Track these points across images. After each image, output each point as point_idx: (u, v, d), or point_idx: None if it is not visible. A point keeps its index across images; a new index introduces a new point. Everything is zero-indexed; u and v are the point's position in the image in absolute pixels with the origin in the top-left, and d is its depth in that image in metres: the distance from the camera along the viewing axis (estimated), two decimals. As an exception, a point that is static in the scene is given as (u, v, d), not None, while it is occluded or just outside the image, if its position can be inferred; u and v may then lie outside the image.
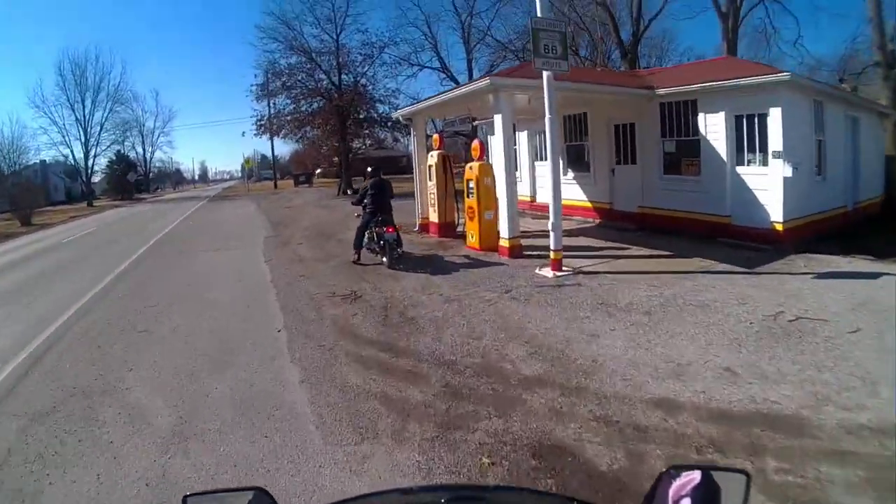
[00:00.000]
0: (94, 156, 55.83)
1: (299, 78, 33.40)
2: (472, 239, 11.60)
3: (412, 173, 15.78)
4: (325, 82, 33.45)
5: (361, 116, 34.30)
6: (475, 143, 11.87)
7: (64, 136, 55.19)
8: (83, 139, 54.09)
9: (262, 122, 35.67)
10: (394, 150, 62.91)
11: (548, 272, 9.10)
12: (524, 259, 10.36)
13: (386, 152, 57.19)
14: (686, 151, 11.96)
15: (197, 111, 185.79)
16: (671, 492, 1.21)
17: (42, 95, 71.42)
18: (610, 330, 6.39)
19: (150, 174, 75.41)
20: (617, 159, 13.85)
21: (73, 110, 53.93)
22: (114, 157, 60.73)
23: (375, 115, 34.47)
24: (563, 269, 9.14)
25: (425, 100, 12.76)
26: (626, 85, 13.21)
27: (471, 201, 11.44)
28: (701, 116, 11.46)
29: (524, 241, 10.89)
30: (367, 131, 35.97)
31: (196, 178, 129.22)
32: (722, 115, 11.05)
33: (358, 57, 33.66)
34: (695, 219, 11.67)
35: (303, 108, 34.22)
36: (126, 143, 64.52)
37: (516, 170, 16.69)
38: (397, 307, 7.87)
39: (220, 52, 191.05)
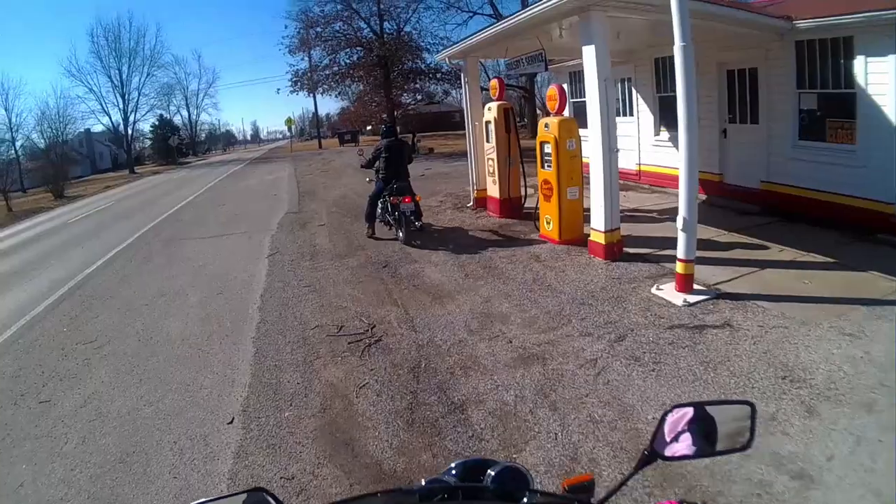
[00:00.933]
0: (134, 122, 55.31)
1: (336, 27, 30.12)
2: (549, 227, 8.21)
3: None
4: (365, 31, 30.10)
5: (407, 67, 30.64)
6: (552, 90, 8.30)
7: (102, 104, 54.69)
8: (121, 105, 52.92)
9: (298, 77, 32.37)
10: (445, 104, 59.54)
11: (671, 293, 5.78)
12: (627, 262, 6.99)
13: (438, 107, 53.91)
14: (834, 110, 8.08)
15: (243, 70, 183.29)
16: (667, 428, 1.26)
17: (77, 64, 70.90)
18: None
19: (198, 137, 74.38)
20: (730, 116, 9.92)
21: (110, 77, 52.98)
22: (156, 122, 59.58)
23: (423, 65, 30.80)
24: (696, 287, 5.76)
25: (479, 32, 9.23)
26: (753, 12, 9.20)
27: (547, 173, 8.03)
28: (859, 61, 7.54)
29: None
30: (415, 85, 32.32)
31: (248, 138, 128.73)
32: (893, 60, 7.17)
33: (401, 1, 29.87)
34: (845, 204, 7.84)
35: (341, 61, 30.96)
36: (171, 108, 63.75)
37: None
38: (436, 370, 4.68)
39: (262, 5, 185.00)
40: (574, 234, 8.02)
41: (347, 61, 30.88)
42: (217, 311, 6.77)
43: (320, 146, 47.61)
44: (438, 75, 30.67)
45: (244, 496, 1.12)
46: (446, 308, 5.98)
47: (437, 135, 45.30)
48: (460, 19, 32.83)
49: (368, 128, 54.75)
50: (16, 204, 30.04)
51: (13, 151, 47.63)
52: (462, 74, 10.86)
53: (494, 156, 9.77)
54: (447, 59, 10.62)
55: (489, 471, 1.29)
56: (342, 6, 29.26)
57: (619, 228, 7.25)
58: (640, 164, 12.13)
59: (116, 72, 53.05)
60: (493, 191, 10.16)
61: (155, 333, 6.32)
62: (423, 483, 1.25)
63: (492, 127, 9.74)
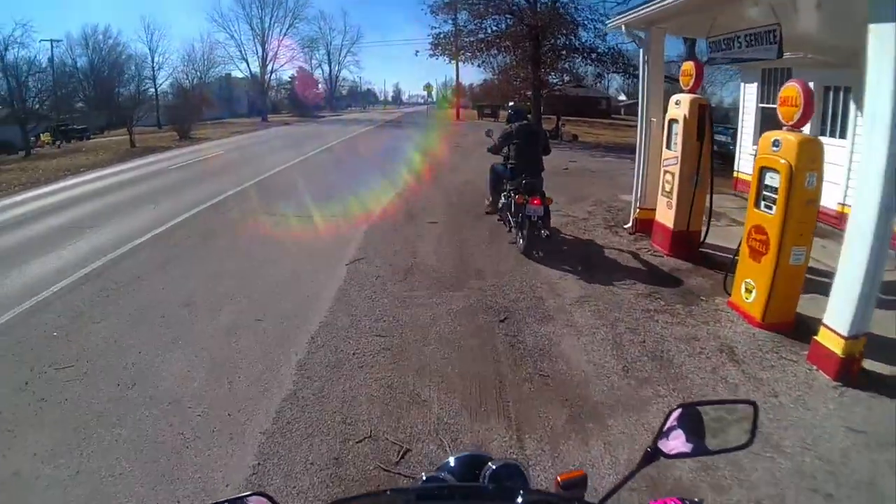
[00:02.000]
0: (272, 71, 57.67)
1: (484, -10, 27.22)
2: (749, 297, 5.48)
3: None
4: (516, -3, 26.98)
5: (560, 43, 27.57)
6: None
7: (241, 51, 57.90)
8: (260, 54, 54.24)
9: (439, 41, 30.10)
10: (593, 89, 55.60)
11: None
12: (873, 395, 4.24)
13: (585, 91, 50.37)
14: None
15: (388, 30, 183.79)
16: (665, 427, 1.26)
17: (220, 10, 74.28)
18: None
19: (338, 93, 75.56)
20: None
21: (251, 25, 54.66)
22: (294, 74, 60.76)
23: (577, 42, 27.55)
24: None
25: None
26: None
27: (765, 218, 5.30)
28: None
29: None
30: (565, 64, 29.21)
31: (389, 99, 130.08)
32: None
33: (559, -33, 26.51)
34: None
35: (488, 28, 28.19)
36: (312, 62, 65.13)
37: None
38: None
39: None
40: (784, 317, 5.27)
41: (495, 29, 28.11)
42: (239, 357, 4.66)
43: (458, 117, 45.62)
44: (594, 55, 27.40)
45: (248, 500, 1.07)
46: (590, 448, 3.45)
47: (581, 121, 42.05)
48: (622, -4, 29.09)
49: (510, 104, 52.14)
50: (142, 139, 30.42)
51: (153, 89, 50.90)
52: (641, 51, 7.99)
53: (676, 170, 6.98)
54: (623, 28, 7.81)
55: (489, 464, 1.34)
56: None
57: (867, 334, 4.42)
58: (843, 204, 8.80)
59: (258, 21, 54.72)
60: (665, 216, 7.38)
61: (139, 380, 4.29)
62: (424, 477, 1.30)
63: (678, 128, 6.94)
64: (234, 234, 8.47)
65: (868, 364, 4.50)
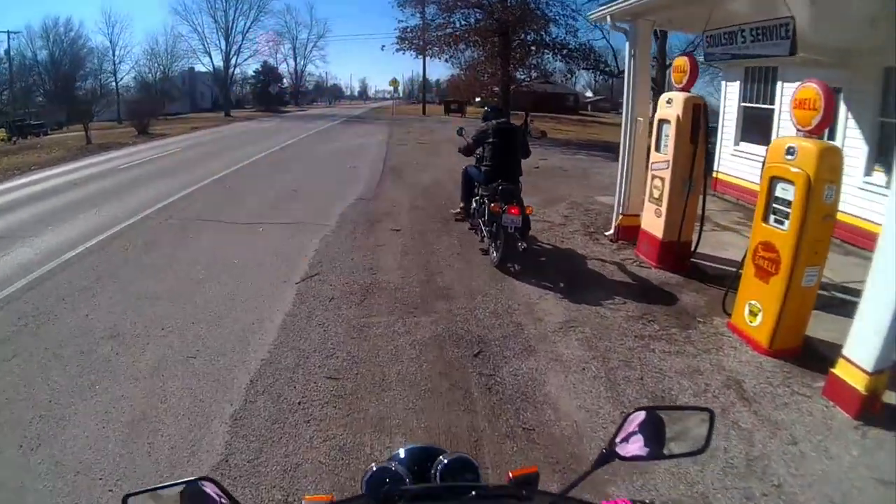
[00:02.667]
0: (235, 65, 57.39)
1: (453, -17, 26.39)
2: (755, 320, 4.82)
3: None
4: (486, -10, 26.22)
5: (530, 39, 26.91)
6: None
7: (204, 44, 57.24)
8: (223, 48, 53.47)
9: (406, 35, 29.19)
10: (561, 85, 55.24)
11: None
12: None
13: (553, 87, 49.94)
14: None
15: (353, 24, 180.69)
16: (627, 430, 1.26)
17: (184, 2, 73.70)
18: None
19: (303, 87, 74.37)
20: None
21: (215, 18, 54.67)
22: (259, 69, 59.74)
23: (548, 38, 26.90)
24: None
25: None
26: None
27: (775, 233, 4.66)
28: None
29: None
30: (534, 60, 28.54)
31: (356, 94, 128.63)
32: None
33: (530, -40, 25.79)
34: None
35: (456, 22, 27.41)
36: (278, 56, 65.45)
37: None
38: None
39: None
40: (793, 342, 4.68)
41: (463, 23, 27.36)
42: (163, 409, 3.80)
43: (424, 112, 44.96)
44: (565, 51, 26.79)
45: (188, 485, 1.05)
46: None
47: (548, 117, 41.58)
48: (594, -9, 28.56)
49: (477, 99, 51.59)
50: (100, 135, 28.75)
51: (114, 83, 49.76)
52: (627, 46, 7.29)
53: (666, 175, 6.29)
54: (608, 20, 7.11)
55: (440, 458, 1.30)
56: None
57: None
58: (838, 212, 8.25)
59: (222, 13, 54.67)
60: (653, 225, 6.68)
61: (45, 440, 3.45)
62: (374, 468, 1.24)
63: (669, 130, 6.25)
64: (176, 245, 7.53)
65: (888, 396, 3.91)
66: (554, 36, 26.79)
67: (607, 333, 4.90)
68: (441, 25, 27.69)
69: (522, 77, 30.20)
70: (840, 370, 4.01)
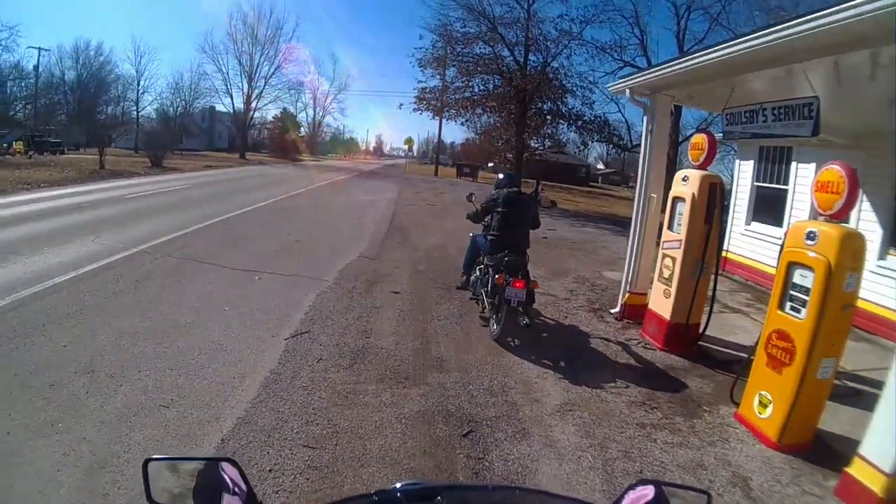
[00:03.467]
0: (255, 108, 57.84)
1: (476, 49, 27.04)
2: (765, 412, 4.54)
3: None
4: (507, 59, 26.83)
5: (546, 108, 27.26)
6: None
7: (227, 85, 58.56)
8: (245, 90, 54.90)
9: (424, 95, 29.61)
10: (573, 156, 55.91)
11: None
12: None
13: (565, 157, 50.58)
14: None
15: (373, 82, 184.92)
16: (623, 501, 1.25)
17: (211, 42, 75.75)
18: None
19: (320, 138, 75.59)
20: None
21: (240, 61, 56.10)
22: (278, 114, 60.75)
23: (564, 108, 27.25)
24: None
25: (695, 56, 5.65)
26: None
27: (791, 322, 4.42)
28: None
29: None
30: (549, 129, 28.86)
31: (370, 149, 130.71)
32: None
33: (552, 32, 26.46)
34: None
35: (475, 86, 27.85)
36: (298, 105, 67.07)
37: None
38: None
39: (404, 24, 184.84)
40: (803, 437, 4.41)
41: (482, 88, 27.84)
42: (125, 458, 3.48)
43: (436, 173, 45.20)
44: (580, 122, 27.09)
45: (207, 462, 1.09)
46: None
47: (559, 187, 41.90)
48: (610, 67, 29.25)
49: (490, 164, 52.25)
50: (114, 161, 29.20)
51: (133, 110, 50.96)
52: (644, 119, 7.21)
53: (678, 255, 6.09)
54: (627, 92, 7.05)
55: (438, 498, 1.19)
56: (488, 28, 26.14)
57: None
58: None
59: (248, 57, 55.81)
60: (661, 305, 6.43)
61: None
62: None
63: (683, 208, 6.07)
64: (168, 283, 7.30)
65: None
66: (570, 107, 27.28)
67: (607, 419, 4.59)
68: (460, 89, 28.16)
69: (536, 145, 30.55)
70: (855, 470, 3.72)
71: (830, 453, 4.24)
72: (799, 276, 4.37)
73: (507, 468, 3.74)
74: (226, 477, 1.05)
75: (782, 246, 4.60)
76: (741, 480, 3.90)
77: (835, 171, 4.20)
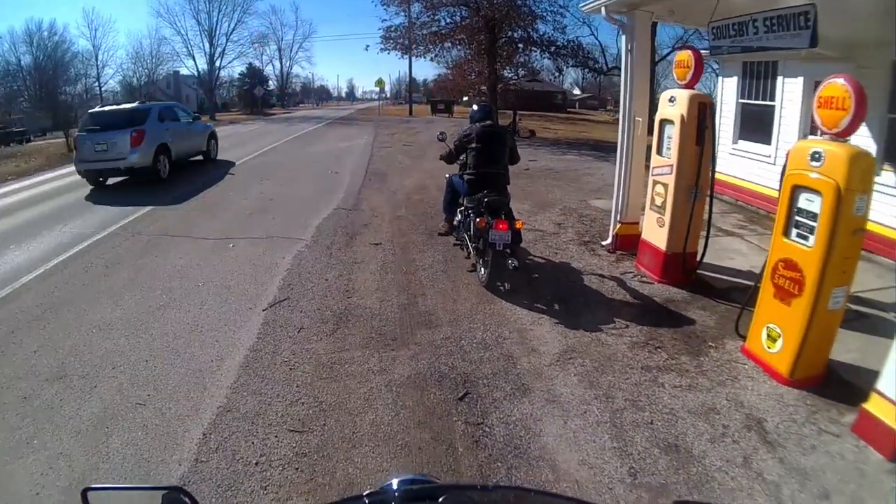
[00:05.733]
0: (219, 68, 56.34)
1: (439, -19, 25.76)
2: (774, 346, 4.29)
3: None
4: (472, -13, 25.64)
5: (517, 36, 26.37)
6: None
7: (188, 47, 56.47)
8: (207, 50, 54.31)
9: (390, 34, 28.47)
10: (548, 83, 54.76)
11: None
12: None
13: (540, 85, 49.48)
14: None
15: (340, 25, 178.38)
16: None
17: (166, 5, 72.79)
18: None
19: (290, 89, 73.63)
20: None
21: (198, 20, 53.99)
22: (244, 71, 58.77)
23: (535, 35, 26.37)
24: None
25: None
26: None
27: (799, 250, 4.12)
28: None
29: None
30: (521, 58, 28.01)
31: (343, 95, 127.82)
32: None
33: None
34: None
35: (442, 20, 26.87)
36: (263, 58, 65.19)
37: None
38: None
39: None
40: (815, 370, 4.17)
41: (449, 21, 26.82)
42: (106, 468, 3.26)
43: (411, 113, 44.22)
44: (553, 48, 26.26)
45: (154, 493, 1.00)
46: None
47: (537, 115, 41.07)
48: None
49: (465, 98, 50.98)
50: None
51: (96, 87, 48.93)
52: (623, 40, 6.71)
53: (670, 181, 5.74)
54: (602, 12, 6.53)
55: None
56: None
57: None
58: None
59: (206, 15, 53.71)
60: (655, 235, 6.13)
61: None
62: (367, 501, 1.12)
63: (673, 131, 5.69)
64: (140, 264, 6.92)
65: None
66: (542, 33, 26.35)
67: (610, 365, 4.35)
68: (426, 24, 27.16)
69: (510, 75, 29.70)
70: (873, 406, 3.51)
71: (843, 386, 4.06)
72: (805, 201, 4.05)
73: (508, 432, 3.49)
74: None
75: (784, 168, 4.27)
76: (756, 423, 3.69)
77: (839, 85, 3.83)
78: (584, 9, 7.13)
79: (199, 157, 15.75)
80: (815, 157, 3.93)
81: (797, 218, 4.12)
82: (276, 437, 3.46)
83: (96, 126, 12.39)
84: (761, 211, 9.32)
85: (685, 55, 5.67)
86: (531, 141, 22.47)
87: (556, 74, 31.73)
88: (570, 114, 57.61)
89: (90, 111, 13.87)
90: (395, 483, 1.25)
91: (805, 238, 4.04)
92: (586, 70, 31.06)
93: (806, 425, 3.67)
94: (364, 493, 1.14)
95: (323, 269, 6.53)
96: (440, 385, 4.02)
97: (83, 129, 12.69)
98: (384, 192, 11.25)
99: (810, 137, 5.20)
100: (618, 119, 6.97)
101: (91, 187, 12.35)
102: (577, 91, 80.00)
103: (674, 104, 5.65)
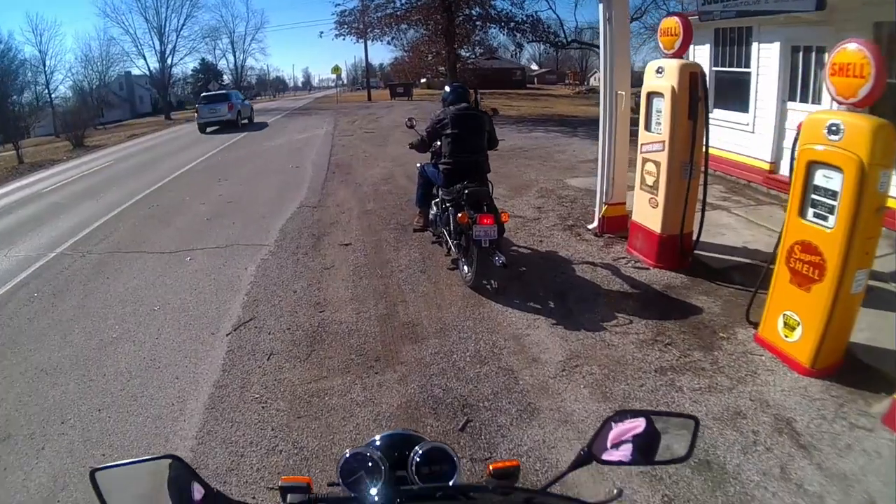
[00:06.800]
0: (171, 65, 55.20)
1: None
2: (792, 334, 3.93)
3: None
4: (427, -34, 24.98)
5: (474, 14, 25.81)
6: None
7: (137, 46, 54.99)
8: (158, 48, 52.97)
9: (344, 18, 27.57)
10: (506, 60, 54.28)
11: None
12: None
13: (498, 62, 49.00)
14: None
15: (292, 13, 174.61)
16: (612, 434, 1.21)
17: (112, 4, 72.70)
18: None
19: (245, 82, 71.78)
20: None
21: (146, 17, 52.52)
22: (197, 66, 57.06)
23: (493, 12, 25.85)
24: None
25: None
26: None
27: (818, 232, 3.73)
28: None
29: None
30: (478, 36, 27.48)
31: (300, 85, 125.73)
32: None
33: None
34: None
35: (396, 1, 26.15)
36: (216, 52, 63.72)
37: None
38: None
39: None
40: (836, 357, 3.85)
41: (405, 2, 26.11)
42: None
43: (369, 98, 43.30)
44: (511, 24, 25.78)
45: (159, 462, 1.05)
46: None
47: (497, 93, 40.58)
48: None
49: (423, 80, 50.23)
50: (35, 152, 26.70)
51: (46, 94, 47.42)
52: (601, 7, 6.21)
53: (663, 158, 5.32)
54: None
55: (416, 448, 1.26)
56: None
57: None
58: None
59: (153, 12, 52.14)
60: (647, 217, 5.71)
61: None
62: (348, 454, 1.20)
63: (662, 104, 5.25)
64: (89, 289, 6.28)
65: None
66: (499, 9, 25.88)
67: (621, 371, 3.93)
68: (381, 6, 26.46)
69: (467, 55, 29.16)
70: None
71: (864, 371, 3.77)
72: (822, 178, 3.66)
73: (524, 467, 3.03)
74: (176, 470, 1.01)
75: (795, 142, 3.87)
76: (785, 424, 3.35)
77: (857, 51, 3.41)
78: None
79: (246, 121, 27.52)
80: (833, 129, 3.52)
81: (814, 196, 3.74)
82: (253, 497, 2.96)
83: (206, 101, 25.89)
84: (741, 181, 9.05)
85: (672, 22, 5.21)
86: (495, 120, 21.65)
87: (516, 50, 31.19)
88: (529, 90, 57.26)
89: (203, 94, 28.91)
90: (378, 439, 1.40)
91: (824, 218, 3.66)
92: (547, 45, 30.62)
93: (836, 421, 3.36)
94: (350, 452, 1.19)
95: (290, 278, 5.97)
96: (436, 413, 3.54)
97: (200, 102, 26.28)
98: (349, 184, 10.68)
99: (819, 109, 4.82)
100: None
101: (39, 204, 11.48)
102: (534, 66, 79.68)
103: (662, 75, 5.21)
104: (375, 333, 4.64)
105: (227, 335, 4.81)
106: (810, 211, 3.76)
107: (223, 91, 29.04)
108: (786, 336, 3.97)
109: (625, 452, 1.20)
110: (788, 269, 3.93)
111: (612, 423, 1.22)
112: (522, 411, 3.51)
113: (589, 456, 1.22)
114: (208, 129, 24.64)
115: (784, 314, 3.97)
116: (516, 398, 3.65)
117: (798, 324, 3.87)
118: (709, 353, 4.15)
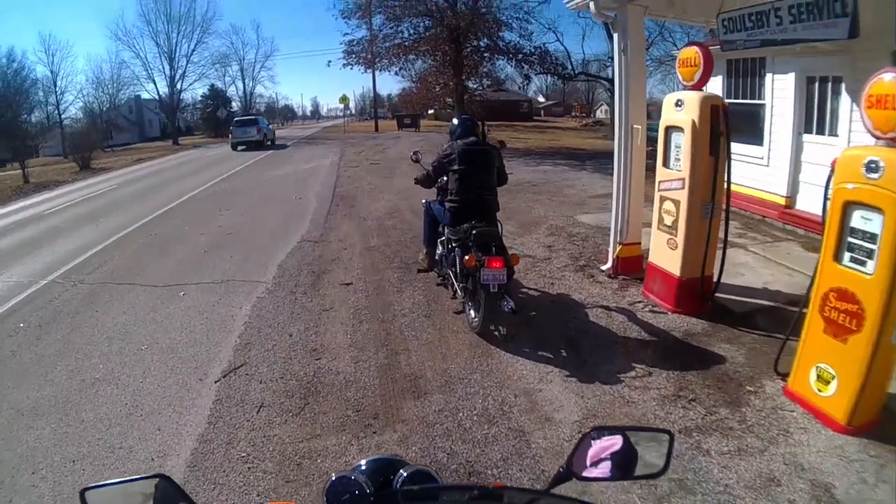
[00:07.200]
0: (181, 90, 55.48)
1: (401, -8, 25.16)
2: (826, 389, 3.58)
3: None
4: (435, -1, 25.11)
5: (482, 45, 25.87)
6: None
7: (147, 69, 55.29)
8: (168, 73, 53.38)
9: (352, 48, 27.62)
10: (514, 92, 54.55)
11: None
12: None
13: (506, 94, 49.25)
14: None
15: (302, 43, 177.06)
16: (591, 452, 1.22)
17: (124, 27, 73.51)
18: None
19: (254, 110, 72.41)
20: None
21: (157, 42, 53.02)
22: (207, 92, 57.67)
23: (501, 43, 25.90)
24: None
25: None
26: None
27: (860, 278, 3.38)
28: None
29: None
30: (485, 68, 27.54)
31: (308, 114, 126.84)
32: None
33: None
34: None
35: (405, 32, 26.24)
36: (226, 78, 63.93)
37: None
38: None
39: None
40: (874, 413, 3.52)
41: (412, 32, 26.24)
42: None
43: (377, 129, 43.23)
44: (520, 56, 25.81)
45: (149, 482, 1.07)
46: None
47: (504, 125, 40.68)
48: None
49: (430, 111, 50.36)
50: (42, 172, 26.72)
51: (56, 115, 48.59)
52: (616, 38, 5.96)
53: (682, 197, 5.02)
54: (590, 7, 5.80)
55: (401, 472, 1.26)
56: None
57: None
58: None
59: (164, 37, 52.63)
60: (666, 259, 5.39)
61: None
62: (334, 477, 1.17)
63: (682, 139, 4.98)
64: (76, 322, 6.00)
65: None
66: (507, 41, 26.02)
67: (635, 415, 3.58)
68: (389, 36, 26.56)
69: (475, 86, 29.20)
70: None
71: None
72: (860, 219, 3.36)
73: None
74: (164, 490, 1.05)
75: (828, 181, 3.58)
76: (824, 491, 3.00)
77: (894, 81, 3.13)
78: (569, 5, 6.38)
79: (269, 142, 31.86)
80: (872, 167, 3.23)
81: (850, 239, 3.44)
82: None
83: (239, 124, 30.68)
84: (756, 216, 8.77)
85: (692, 52, 4.95)
86: (502, 153, 21.81)
87: (524, 83, 31.29)
88: (536, 122, 57.47)
89: (236, 118, 35.04)
90: (363, 463, 1.37)
91: (862, 263, 3.36)
92: (554, 76, 30.67)
93: (879, 487, 3.03)
94: (335, 476, 1.16)
95: (286, 320, 5.65)
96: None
97: (234, 125, 31.03)
98: (353, 218, 10.42)
99: (857, 145, 4.54)
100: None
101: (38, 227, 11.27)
102: (541, 98, 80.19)
103: (681, 108, 4.94)
104: (375, 386, 4.29)
105: (215, 382, 4.47)
106: (846, 255, 3.45)
107: (253, 116, 35.43)
108: (819, 390, 3.63)
109: (603, 469, 1.20)
110: (822, 318, 3.60)
111: (591, 440, 1.23)
112: (535, 480, 3.15)
113: (568, 473, 1.23)
114: (239, 148, 29.33)
115: (817, 366, 3.64)
116: (528, 465, 3.29)
117: (833, 377, 3.54)
118: (736, 409, 3.80)
